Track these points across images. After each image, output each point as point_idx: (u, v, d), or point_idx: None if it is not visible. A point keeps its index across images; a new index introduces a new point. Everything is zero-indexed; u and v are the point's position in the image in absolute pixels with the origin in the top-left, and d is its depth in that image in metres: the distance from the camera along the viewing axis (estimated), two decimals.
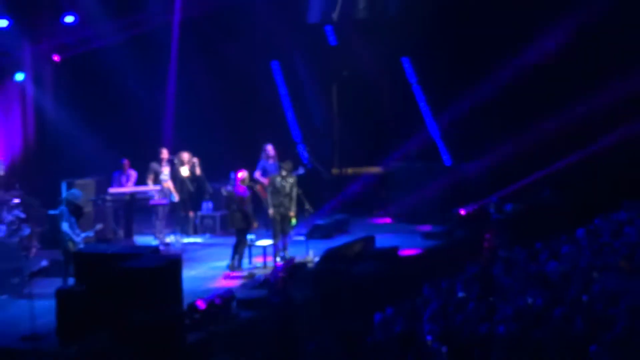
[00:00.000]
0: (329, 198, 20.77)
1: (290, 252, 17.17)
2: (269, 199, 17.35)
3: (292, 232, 17.59)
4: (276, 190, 17.22)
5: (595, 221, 18.04)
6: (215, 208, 20.35)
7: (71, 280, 14.17)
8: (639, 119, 21.06)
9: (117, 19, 20.44)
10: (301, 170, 18.78)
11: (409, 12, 22.70)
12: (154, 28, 21.37)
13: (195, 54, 22.22)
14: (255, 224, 17.12)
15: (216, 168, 20.17)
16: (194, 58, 22.24)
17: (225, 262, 17.04)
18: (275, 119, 23.60)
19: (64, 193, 16.40)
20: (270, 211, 17.27)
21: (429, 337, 11.51)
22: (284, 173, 17.37)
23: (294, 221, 17.48)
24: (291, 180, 17.34)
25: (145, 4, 21.21)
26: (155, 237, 19.03)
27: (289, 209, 17.26)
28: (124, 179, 19.03)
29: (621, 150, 21.23)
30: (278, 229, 17.18)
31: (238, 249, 16.82)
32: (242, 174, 17.12)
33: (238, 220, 16.96)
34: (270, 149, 19.23)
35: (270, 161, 18.97)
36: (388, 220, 21.05)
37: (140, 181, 19.19)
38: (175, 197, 19.19)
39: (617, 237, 16.63)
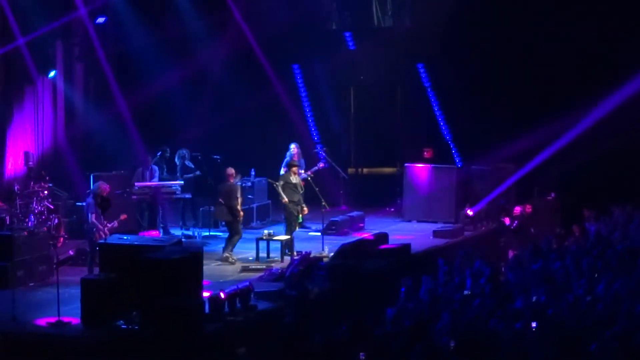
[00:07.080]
0: (345, 196, 21.22)
1: (306, 247, 17.43)
2: (287, 195, 17.71)
3: (298, 228, 18.14)
4: (293, 188, 17.71)
5: (599, 223, 18.43)
6: None
7: (96, 270, 14.55)
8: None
9: (149, 23, 20.91)
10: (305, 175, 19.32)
11: (424, 21, 23.01)
12: (183, 33, 21.77)
13: (221, 56, 22.57)
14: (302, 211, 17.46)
15: (239, 165, 20.45)
16: (220, 61, 22.60)
17: (244, 255, 17.46)
18: (295, 119, 23.79)
19: (92, 185, 16.78)
20: (294, 208, 17.69)
21: (437, 332, 11.80)
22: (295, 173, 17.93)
23: (301, 218, 18.05)
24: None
25: (176, 10, 21.65)
26: (179, 229, 19.46)
27: (302, 206, 17.86)
28: (147, 174, 19.38)
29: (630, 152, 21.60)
30: (294, 224, 17.63)
31: (229, 241, 17.22)
32: (230, 171, 17.50)
33: (224, 214, 17.44)
34: (294, 147, 19.75)
35: (295, 159, 19.29)
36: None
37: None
38: None
39: (621, 238, 17.05)
